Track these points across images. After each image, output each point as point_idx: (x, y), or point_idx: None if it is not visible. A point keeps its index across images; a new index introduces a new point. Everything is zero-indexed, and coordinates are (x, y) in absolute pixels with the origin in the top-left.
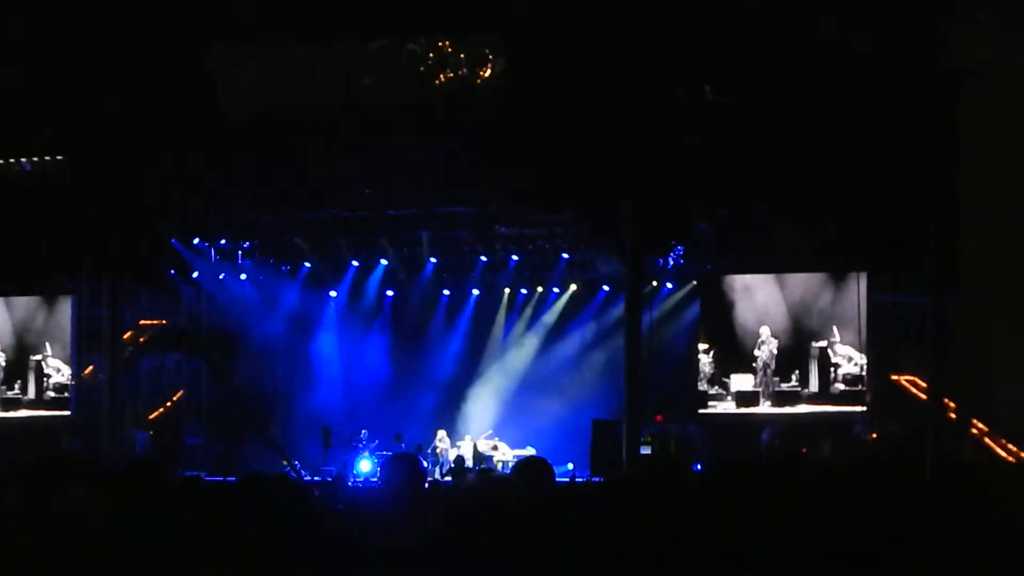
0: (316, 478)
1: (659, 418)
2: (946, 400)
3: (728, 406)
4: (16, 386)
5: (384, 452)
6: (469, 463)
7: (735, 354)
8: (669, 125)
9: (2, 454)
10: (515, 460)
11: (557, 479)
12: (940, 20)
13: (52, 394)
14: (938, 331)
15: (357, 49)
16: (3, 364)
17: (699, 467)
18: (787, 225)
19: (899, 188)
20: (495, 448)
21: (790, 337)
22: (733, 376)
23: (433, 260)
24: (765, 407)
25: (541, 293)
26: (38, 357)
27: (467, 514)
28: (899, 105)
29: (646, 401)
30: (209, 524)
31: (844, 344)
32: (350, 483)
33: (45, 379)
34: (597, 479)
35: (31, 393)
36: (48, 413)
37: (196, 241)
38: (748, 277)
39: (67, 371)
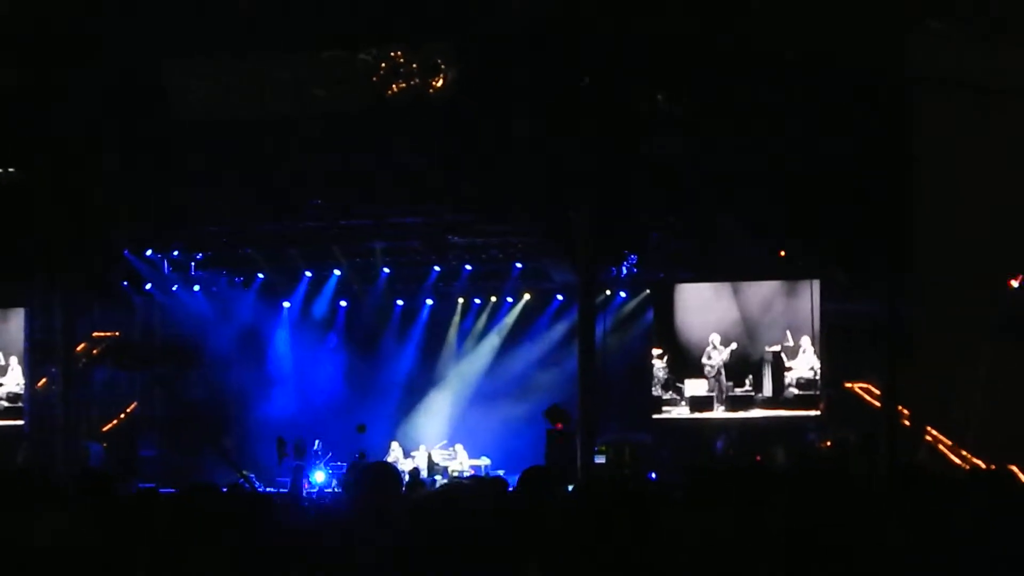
0: (271, 489)
1: (559, 426)
2: (900, 407)
3: (682, 411)
4: None
5: (337, 463)
6: (424, 474)
7: (688, 360)
8: (622, 133)
9: None
10: (472, 470)
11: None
12: (894, 28)
13: (5, 404)
14: (891, 338)
15: (309, 59)
16: None
17: (654, 475)
18: (740, 233)
19: (852, 195)
20: (451, 457)
21: (744, 342)
22: (687, 381)
23: (386, 270)
24: (719, 412)
25: (495, 302)
26: None
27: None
28: (853, 112)
29: (601, 409)
30: (160, 536)
31: (797, 349)
32: (304, 493)
33: None
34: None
35: None
36: (1, 423)
37: (149, 253)
38: (701, 285)
39: (20, 381)
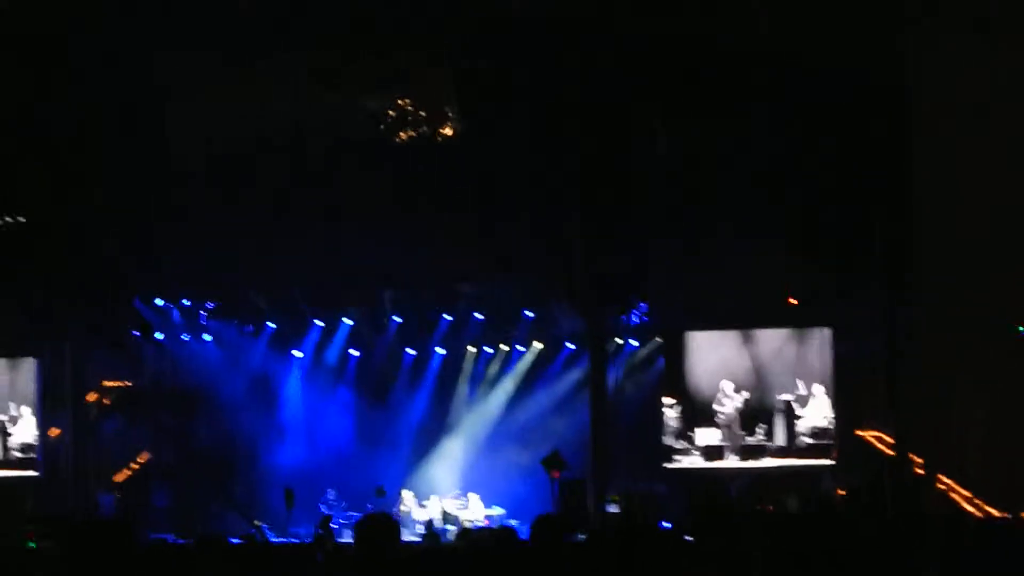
0: (283, 539)
1: (556, 475)
2: (912, 455)
3: (695, 460)
4: None
5: (353, 513)
6: (437, 524)
7: (700, 408)
8: (625, 183)
9: None
10: (487, 520)
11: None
12: (893, 30)
13: (17, 454)
14: (899, 387)
15: (313, 105)
16: None
17: (666, 524)
18: (749, 282)
19: (858, 240)
20: (463, 507)
21: (756, 391)
22: (698, 430)
23: (397, 319)
24: (732, 460)
25: (505, 352)
26: (3, 417)
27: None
28: (847, 148)
29: (613, 458)
30: None
31: (809, 397)
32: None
33: (8, 438)
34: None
35: None
36: (13, 473)
37: (159, 302)
38: (712, 333)
39: (33, 432)
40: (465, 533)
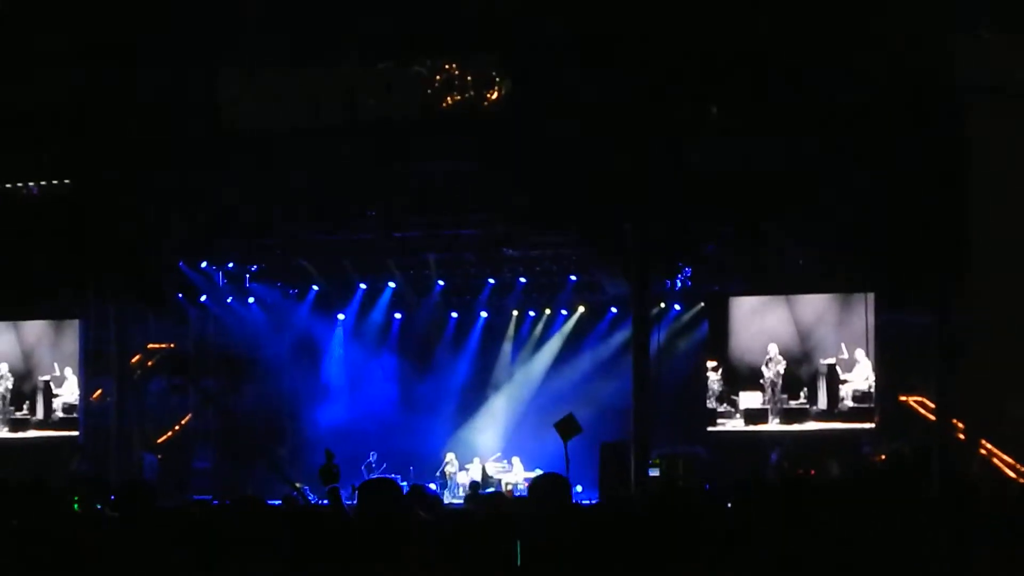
0: (324, 501)
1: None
2: (955, 420)
3: (737, 424)
4: (24, 407)
5: (394, 475)
6: (479, 486)
7: (743, 372)
8: (674, 143)
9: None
10: (526, 482)
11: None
12: (943, 39)
13: (60, 415)
14: (946, 351)
15: (362, 71)
16: (10, 386)
17: (708, 487)
18: (794, 245)
19: (905, 208)
20: (506, 470)
21: (799, 354)
22: (742, 394)
23: (441, 283)
24: (774, 424)
25: (549, 315)
26: (46, 378)
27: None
28: (904, 125)
29: (655, 422)
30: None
31: (853, 362)
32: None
33: (53, 400)
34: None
35: (39, 414)
36: (56, 434)
37: (203, 264)
38: (755, 298)
39: (76, 392)
40: (473, 496)
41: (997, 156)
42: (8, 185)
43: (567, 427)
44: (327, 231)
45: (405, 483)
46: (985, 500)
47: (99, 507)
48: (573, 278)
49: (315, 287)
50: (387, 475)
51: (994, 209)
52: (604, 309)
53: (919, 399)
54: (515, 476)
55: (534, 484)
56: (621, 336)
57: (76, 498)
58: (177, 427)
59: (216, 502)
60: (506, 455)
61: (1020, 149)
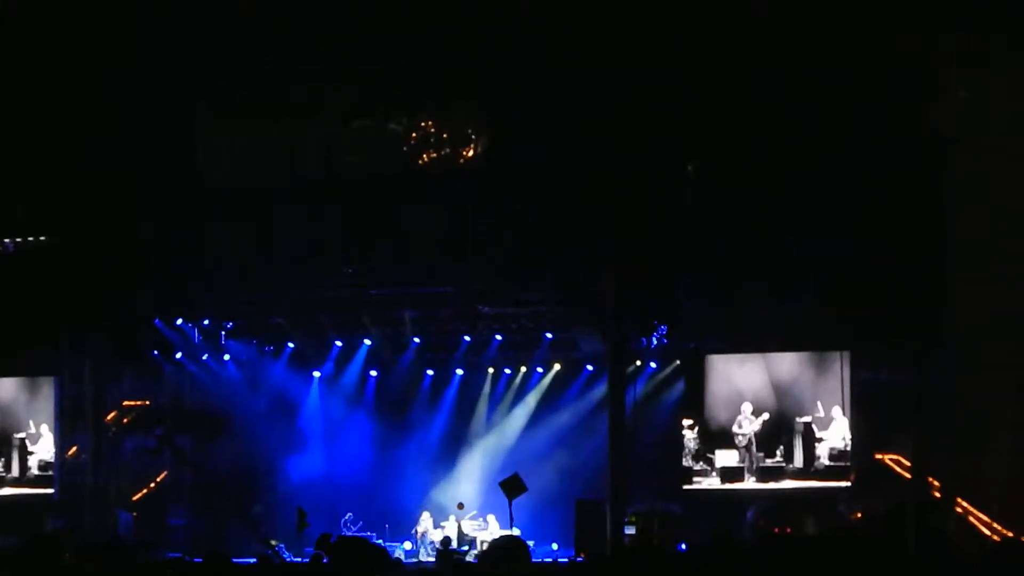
0: (300, 559)
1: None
2: (931, 478)
3: (713, 481)
4: (0, 464)
5: (370, 534)
6: (454, 544)
7: (719, 430)
8: (651, 205)
9: None
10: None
11: (535, 559)
12: (918, 91)
13: (36, 472)
14: (921, 409)
15: (339, 128)
16: None
17: (683, 547)
18: (770, 305)
19: (881, 266)
20: (481, 528)
21: (775, 413)
22: (718, 452)
23: (417, 340)
24: (750, 482)
25: (525, 373)
26: (22, 435)
27: None
28: (880, 181)
29: (631, 479)
30: None
31: (829, 420)
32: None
33: (28, 457)
34: (580, 559)
35: (15, 471)
36: (32, 491)
37: (179, 321)
38: (732, 356)
39: (51, 449)
40: (444, 553)
41: (973, 210)
42: None
43: (512, 486)
44: (303, 288)
45: (381, 540)
46: (960, 557)
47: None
48: (549, 336)
49: (291, 344)
50: (362, 533)
51: (970, 265)
52: (580, 367)
53: (895, 457)
54: (490, 534)
55: (489, 549)
56: (597, 393)
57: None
58: (152, 484)
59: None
60: (482, 513)
61: (996, 202)
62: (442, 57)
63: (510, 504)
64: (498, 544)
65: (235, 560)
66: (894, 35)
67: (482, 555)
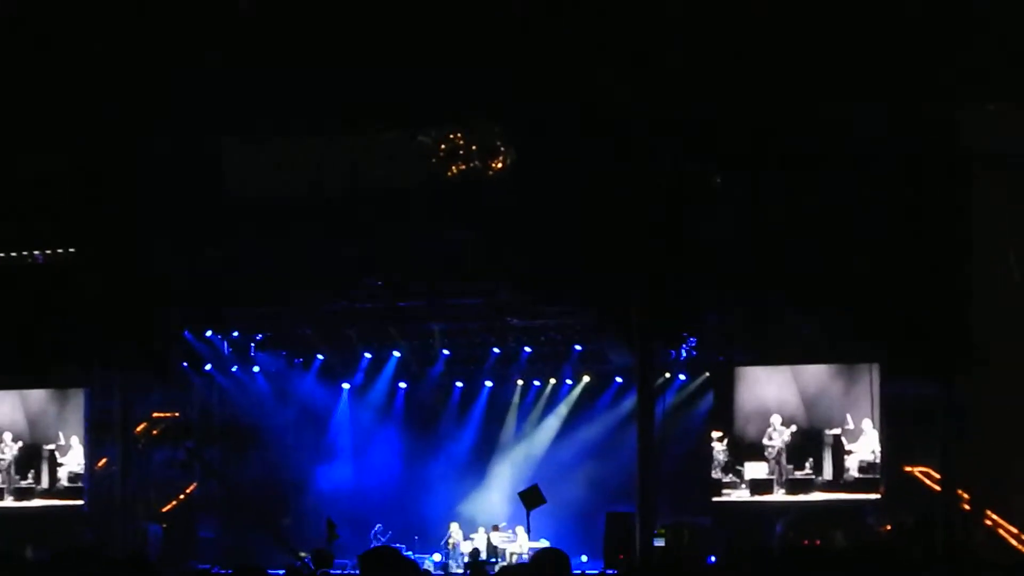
0: (329, 570)
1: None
2: (960, 491)
3: (742, 494)
4: (30, 476)
5: (399, 545)
6: (483, 556)
7: (748, 443)
8: (680, 217)
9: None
10: (530, 552)
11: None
12: (948, 110)
13: (65, 484)
14: (950, 422)
15: (366, 140)
16: (16, 454)
17: (712, 559)
18: (799, 317)
19: (911, 279)
20: (510, 540)
21: (804, 425)
22: (747, 464)
23: (445, 352)
24: (779, 495)
25: (554, 385)
26: (52, 447)
27: None
28: (909, 195)
29: (660, 492)
30: None
31: (858, 432)
32: None
33: (58, 468)
34: (611, 572)
35: (44, 483)
36: (61, 503)
37: (209, 334)
38: (761, 368)
39: (81, 461)
40: (474, 565)
41: (1000, 226)
42: (13, 254)
43: (531, 497)
44: (332, 300)
45: (410, 552)
46: (989, 570)
47: None
48: (578, 348)
49: (320, 356)
50: (392, 544)
51: (998, 280)
52: (609, 379)
53: (924, 469)
54: (519, 546)
55: (535, 559)
56: (626, 406)
57: None
58: (182, 496)
59: (218, 571)
60: (511, 525)
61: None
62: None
63: (528, 515)
64: (542, 556)
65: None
66: (923, 50)
67: (530, 562)
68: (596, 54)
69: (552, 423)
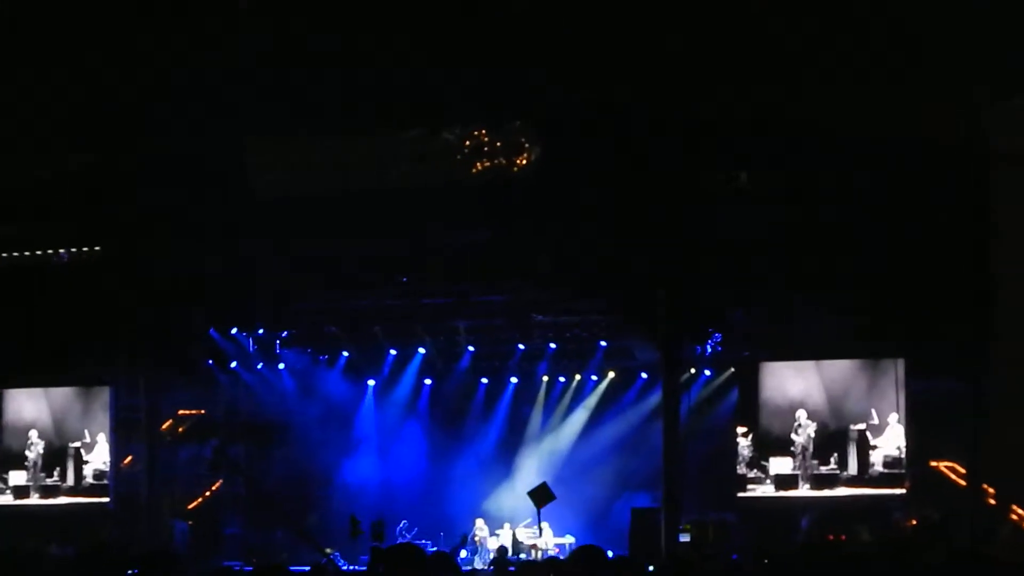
0: (354, 567)
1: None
2: (985, 485)
3: (767, 489)
4: (55, 473)
5: (424, 541)
6: (510, 553)
7: (773, 438)
8: (705, 213)
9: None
10: (556, 548)
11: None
12: (972, 107)
13: (91, 481)
14: (976, 417)
15: (391, 138)
16: (41, 452)
17: (736, 556)
18: (824, 312)
19: (935, 274)
20: (535, 536)
21: (829, 420)
22: (772, 459)
23: (471, 349)
24: (804, 490)
25: (579, 381)
26: (77, 444)
27: None
28: (933, 192)
29: (685, 488)
30: None
31: (883, 427)
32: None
33: (83, 466)
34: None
35: (70, 480)
36: (87, 500)
37: (234, 331)
38: (786, 363)
39: (106, 458)
40: (500, 562)
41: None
42: (38, 252)
43: (541, 495)
44: (357, 297)
45: (435, 548)
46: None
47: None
48: (603, 344)
49: (345, 353)
50: (417, 541)
51: (1021, 274)
52: (634, 375)
53: (950, 464)
54: (545, 542)
55: (571, 558)
56: (651, 401)
57: None
58: (207, 493)
59: (238, 566)
60: (536, 521)
61: None
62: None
63: (539, 512)
64: (581, 554)
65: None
66: (946, 46)
67: (564, 564)
68: (622, 51)
69: (577, 419)
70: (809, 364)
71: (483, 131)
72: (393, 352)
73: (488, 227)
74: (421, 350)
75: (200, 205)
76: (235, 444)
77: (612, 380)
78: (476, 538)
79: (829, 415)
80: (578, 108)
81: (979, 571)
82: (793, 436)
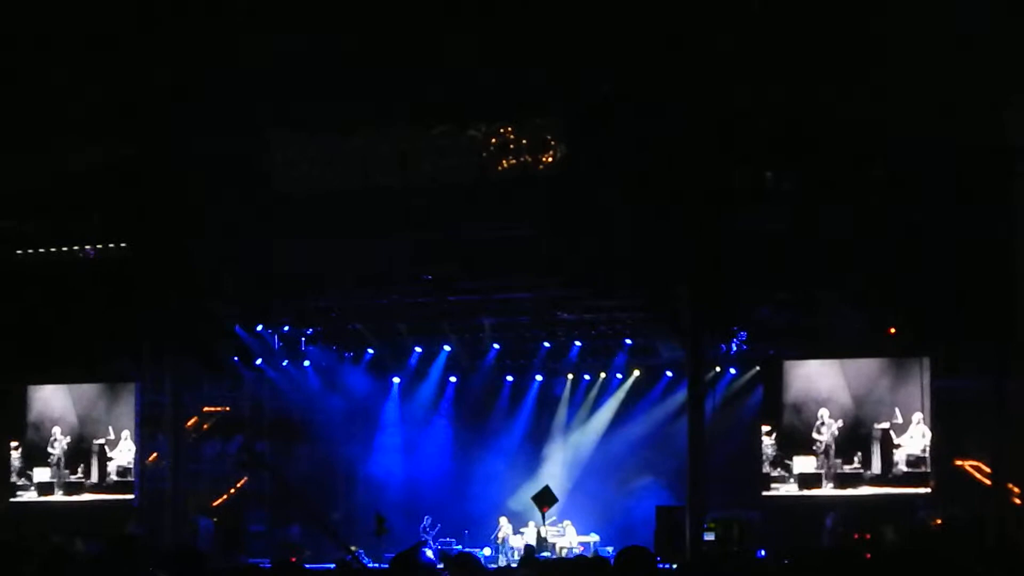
0: (378, 565)
1: (545, 509)
2: (1011, 485)
3: (791, 488)
4: (79, 470)
5: (447, 539)
6: (534, 550)
7: (797, 437)
8: (730, 212)
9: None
10: (581, 546)
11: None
12: (996, 109)
13: (115, 478)
14: (1001, 416)
15: (416, 134)
16: (65, 448)
17: (762, 553)
18: (848, 311)
19: (960, 273)
20: (560, 534)
21: (852, 419)
22: (796, 458)
23: (496, 346)
24: (827, 489)
25: (604, 379)
26: (101, 441)
27: None
28: (957, 192)
29: (710, 486)
30: None
31: (907, 426)
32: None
33: (108, 463)
34: (663, 566)
35: (94, 477)
36: (111, 497)
37: (259, 328)
38: (810, 362)
39: (131, 455)
40: (527, 560)
41: None
42: (64, 248)
43: (543, 498)
44: (382, 294)
45: (459, 547)
46: None
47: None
48: (628, 342)
49: (370, 350)
50: (442, 539)
51: None
52: (659, 373)
53: (975, 463)
54: (568, 540)
55: (619, 557)
56: (676, 400)
57: None
58: (232, 490)
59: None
60: (560, 519)
61: None
62: (520, 71)
63: (543, 514)
64: (627, 554)
65: (310, 567)
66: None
67: (616, 557)
68: (645, 48)
69: (602, 417)
70: (833, 362)
71: (509, 128)
72: (418, 349)
73: (514, 224)
74: (446, 347)
75: (227, 202)
76: (260, 441)
77: (637, 378)
78: (499, 536)
79: (853, 414)
80: (605, 104)
81: (1011, 571)
82: (816, 435)
